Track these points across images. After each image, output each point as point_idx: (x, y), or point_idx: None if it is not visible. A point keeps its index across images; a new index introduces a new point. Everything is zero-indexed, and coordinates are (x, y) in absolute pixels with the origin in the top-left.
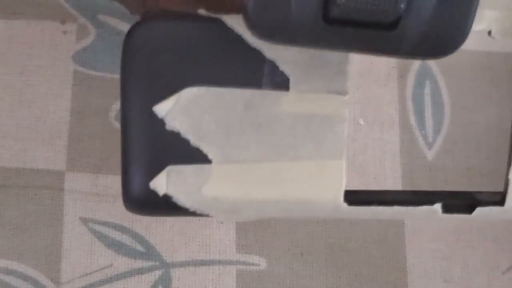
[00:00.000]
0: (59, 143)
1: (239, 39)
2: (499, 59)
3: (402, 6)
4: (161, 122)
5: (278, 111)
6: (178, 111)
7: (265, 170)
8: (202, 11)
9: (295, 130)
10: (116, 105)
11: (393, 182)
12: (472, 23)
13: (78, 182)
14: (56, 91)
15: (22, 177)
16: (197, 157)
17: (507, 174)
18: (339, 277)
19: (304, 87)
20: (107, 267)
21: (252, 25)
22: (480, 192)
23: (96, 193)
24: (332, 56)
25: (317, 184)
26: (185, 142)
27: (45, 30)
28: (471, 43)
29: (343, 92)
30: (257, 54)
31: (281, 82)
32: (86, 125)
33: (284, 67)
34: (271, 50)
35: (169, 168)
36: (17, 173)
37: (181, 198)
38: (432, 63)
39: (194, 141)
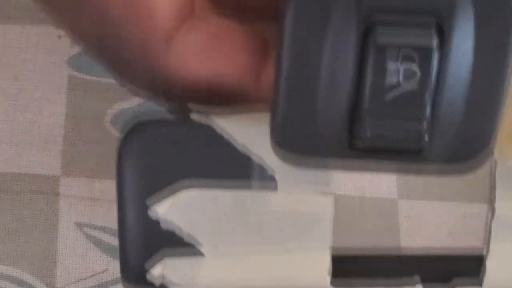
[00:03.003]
0: (54, 148)
1: (228, 144)
2: None
3: (426, 139)
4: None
5: (266, 210)
6: (172, 212)
7: (255, 262)
8: (194, 116)
9: (283, 227)
10: (111, 110)
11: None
12: (495, 137)
13: (73, 187)
14: (51, 96)
15: (17, 182)
16: (190, 249)
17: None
18: None
19: (291, 188)
20: (103, 272)
21: (280, 154)
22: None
23: (92, 198)
24: None
25: (305, 274)
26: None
27: (39, 34)
28: None
29: (328, 193)
30: (247, 157)
31: (269, 184)
32: (81, 130)
33: (272, 170)
34: (259, 155)
35: (164, 261)
36: (12, 178)
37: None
38: None
39: (187, 239)
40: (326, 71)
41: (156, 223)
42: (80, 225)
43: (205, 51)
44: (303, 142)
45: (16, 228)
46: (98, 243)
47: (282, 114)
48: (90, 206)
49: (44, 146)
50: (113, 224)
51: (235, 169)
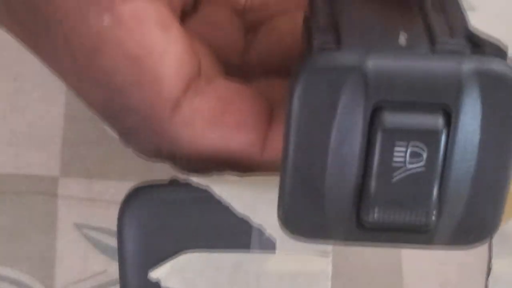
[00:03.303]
0: (53, 149)
1: (227, 208)
2: None
3: (433, 218)
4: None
5: (265, 270)
6: (172, 274)
7: None
8: (193, 179)
9: (282, 287)
10: None
11: None
12: (502, 214)
13: (72, 188)
14: (50, 97)
15: (16, 183)
16: None
17: None
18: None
19: (290, 248)
20: (102, 273)
21: (287, 230)
22: None
23: (90, 199)
24: None
25: None
26: None
27: None
28: None
29: (326, 253)
30: (245, 221)
31: (268, 244)
32: (80, 131)
33: (270, 231)
34: (258, 218)
35: None
36: (10, 179)
37: None
38: None
39: None
40: (334, 153)
41: (157, 285)
42: (79, 226)
43: (212, 117)
44: (310, 225)
45: (15, 229)
46: (97, 244)
47: (289, 197)
48: (89, 207)
49: (42, 147)
50: (112, 225)
51: (234, 232)
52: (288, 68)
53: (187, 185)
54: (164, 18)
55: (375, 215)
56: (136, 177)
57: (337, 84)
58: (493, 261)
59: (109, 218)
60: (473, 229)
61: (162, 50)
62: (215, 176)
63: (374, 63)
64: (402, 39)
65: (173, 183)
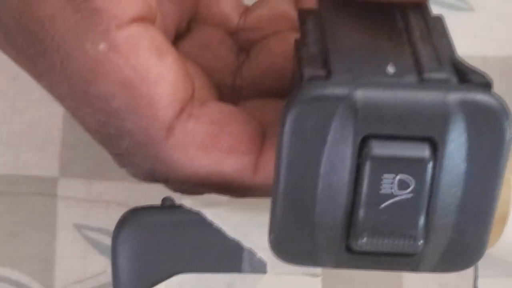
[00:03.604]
0: (52, 149)
1: (219, 230)
2: (494, 63)
3: (420, 243)
4: None
5: None
6: None
7: None
8: (186, 202)
9: None
10: None
11: None
12: (488, 241)
13: (71, 188)
14: (49, 97)
15: (15, 184)
16: None
17: None
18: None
19: (280, 269)
20: (101, 273)
21: (278, 255)
22: None
23: (90, 199)
24: None
25: None
26: None
27: None
28: (465, 47)
29: (316, 274)
30: (237, 243)
31: (259, 266)
32: (79, 131)
33: (261, 254)
34: (248, 241)
35: None
36: (10, 180)
37: None
38: None
39: None
40: (324, 181)
41: None
42: (78, 227)
43: (204, 141)
44: (301, 250)
45: (14, 230)
46: (96, 244)
47: (280, 223)
48: (88, 207)
49: (42, 148)
50: (111, 226)
51: (226, 254)
52: (280, 89)
53: (180, 208)
54: (159, 44)
55: (364, 242)
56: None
57: (327, 114)
58: (478, 281)
59: (109, 218)
60: (459, 256)
61: (157, 75)
62: (207, 199)
63: (363, 94)
64: (391, 69)
65: (166, 205)
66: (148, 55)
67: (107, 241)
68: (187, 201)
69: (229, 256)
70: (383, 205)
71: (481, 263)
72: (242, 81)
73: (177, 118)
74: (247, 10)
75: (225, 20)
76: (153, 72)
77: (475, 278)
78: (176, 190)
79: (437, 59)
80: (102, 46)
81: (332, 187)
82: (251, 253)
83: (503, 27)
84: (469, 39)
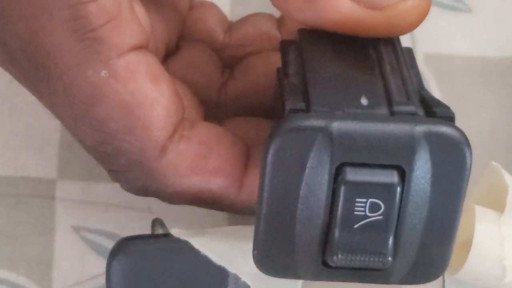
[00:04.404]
0: (50, 151)
1: (205, 257)
2: (492, 64)
3: (390, 259)
4: None
5: None
6: None
7: None
8: (175, 231)
9: None
10: None
11: None
12: (450, 258)
13: (69, 190)
14: None
15: (13, 186)
16: None
17: None
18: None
19: None
20: (100, 275)
21: (261, 269)
22: None
23: (88, 201)
24: None
25: None
26: None
27: None
28: (464, 48)
29: None
30: (223, 268)
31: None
32: None
33: (245, 278)
34: (233, 267)
35: None
36: (8, 182)
37: None
38: (424, 69)
39: None
40: (302, 203)
41: None
42: (76, 229)
43: (194, 161)
44: (282, 265)
45: (12, 232)
46: (94, 246)
47: (263, 241)
48: (86, 209)
49: (40, 149)
50: (110, 227)
51: (213, 278)
52: (262, 106)
53: (169, 237)
54: (154, 70)
55: (339, 258)
56: None
57: (306, 144)
58: None
59: (107, 220)
60: (425, 270)
61: (152, 100)
62: (194, 228)
63: (339, 125)
64: (364, 101)
65: (156, 234)
66: (144, 81)
67: (106, 243)
68: (176, 231)
69: (215, 280)
70: (356, 226)
71: (449, 284)
72: (227, 98)
73: (169, 140)
74: (231, 26)
75: (211, 36)
76: (149, 96)
77: None
78: (167, 202)
79: (406, 92)
80: (103, 73)
81: (310, 209)
82: (236, 277)
83: (501, 28)
84: (467, 40)
